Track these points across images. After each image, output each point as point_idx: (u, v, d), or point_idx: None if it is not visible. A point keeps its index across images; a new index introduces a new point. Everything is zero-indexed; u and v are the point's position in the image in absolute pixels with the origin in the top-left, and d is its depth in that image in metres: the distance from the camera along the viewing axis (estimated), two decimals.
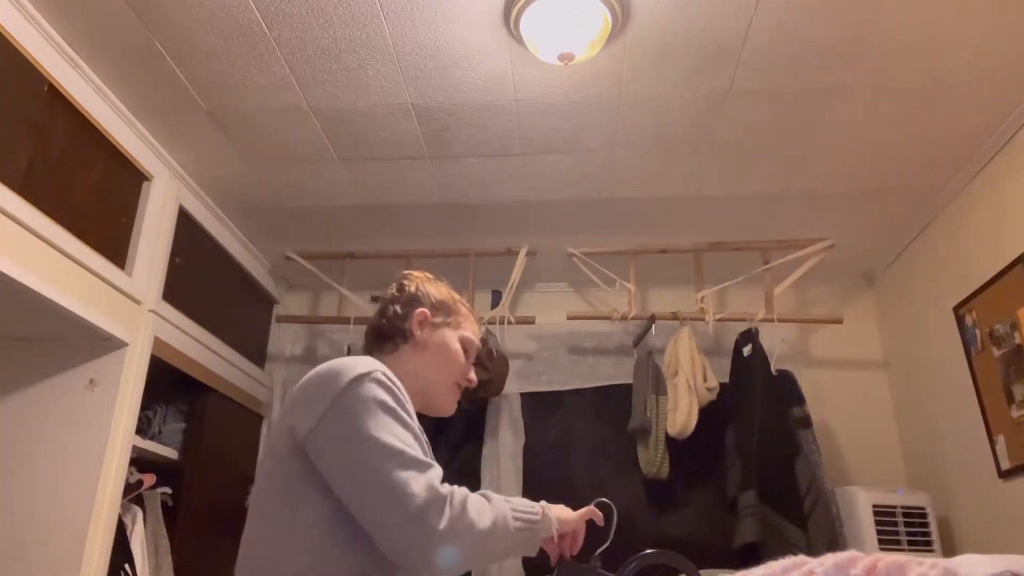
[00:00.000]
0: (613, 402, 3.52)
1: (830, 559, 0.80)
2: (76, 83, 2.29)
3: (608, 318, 3.44)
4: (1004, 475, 2.63)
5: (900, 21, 2.11)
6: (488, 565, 1.37)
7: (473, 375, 1.51)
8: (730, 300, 3.61)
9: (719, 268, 3.46)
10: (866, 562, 0.76)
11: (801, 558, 0.85)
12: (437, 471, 1.19)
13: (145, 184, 2.72)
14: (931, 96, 2.42)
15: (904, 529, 2.89)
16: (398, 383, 1.28)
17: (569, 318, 3.53)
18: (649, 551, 1.19)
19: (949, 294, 2.96)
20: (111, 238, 2.54)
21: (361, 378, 1.22)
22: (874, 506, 2.91)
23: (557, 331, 3.68)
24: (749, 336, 3.29)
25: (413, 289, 1.55)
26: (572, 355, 3.68)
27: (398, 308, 1.51)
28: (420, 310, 1.49)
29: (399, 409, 1.23)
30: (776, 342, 3.25)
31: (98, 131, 2.43)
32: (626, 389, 3.41)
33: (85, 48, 2.25)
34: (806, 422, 3.10)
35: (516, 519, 1.29)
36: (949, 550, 2.89)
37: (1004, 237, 2.61)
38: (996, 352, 2.65)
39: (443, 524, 1.12)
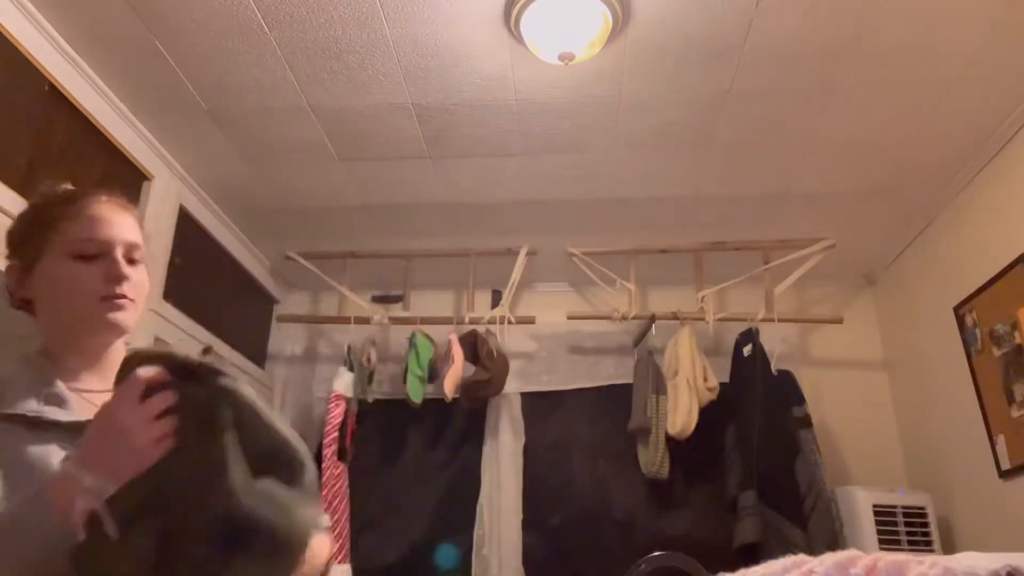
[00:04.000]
0: (613, 402, 3.52)
1: (830, 559, 0.80)
2: (76, 82, 2.29)
3: (608, 318, 3.44)
4: (1004, 475, 2.63)
5: (900, 21, 2.11)
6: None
7: (120, 269, 1.10)
8: (730, 300, 3.61)
9: (719, 268, 3.46)
10: (866, 561, 0.76)
11: (801, 558, 0.85)
12: None
13: (145, 184, 2.72)
14: (931, 96, 2.42)
15: (904, 529, 2.89)
16: None
17: (569, 318, 3.53)
18: (657, 553, 1.17)
19: (949, 294, 2.96)
20: None
21: None
22: (874, 506, 2.91)
23: (557, 331, 3.68)
24: (749, 336, 3.29)
25: None
26: (572, 355, 3.68)
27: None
28: (7, 268, 1.14)
29: None
30: (776, 342, 3.25)
31: (98, 130, 2.43)
32: (626, 389, 3.41)
33: (86, 47, 2.25)
34: (806, 422, 3.10)
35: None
36: (949, 550, 2.89)
37: (1004, 237, 2.61)
38: (996, 352, 2.65)
39: None
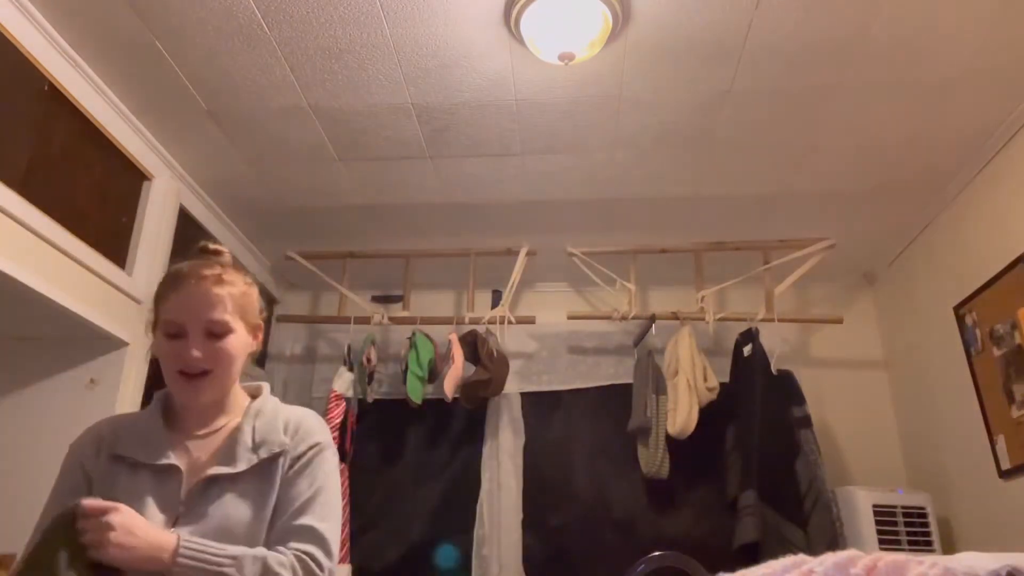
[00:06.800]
0: (613, 402, 3.52)
1: (830, 559, 0.80)
2: (76, 83, 2.29)
3: (608, 318, 3.44)
4: (1004, 475, 2.63)
5: (900, 21, 2.11)
6: None
7: (192, 352, 1.27)
8: (730, 300, 3.61)
9: (719, 268, 3.46)
10: (866, 561, 0.76)
11: (801, 558, 0.85)
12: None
13: (145, 184, 2.72)
14: (931, 96, 2.42)
15: (904, 529, 2.89)
16: (81, 442, 1.34)
17: (569, 318, 3.53)
18: (657, 553, 1.16)
19: (949, 294, 2.96)
20: (111, 237, 2.54)
21: None
22: (874, 506, 2.91)
23: (557, 331, 3.68)
24: (749, 336, 3.29)
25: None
26: (572, 355, 3.68)
27: None
28: (146, 323, 1.39)
29: (57, 484, 1.32)
30: (776, 342, 3.25)
31: (98, 131, 2.43)
32: (626, 389, 3.41)
33: (85, 48, 2.25)
34: (806, 422, 3.10)
35: None
36: (949, 550, 2.89)
37: (1004, 237, 2.61)
38: (996, 352, 2.65)
39: None
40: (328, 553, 1.28)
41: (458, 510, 3.43)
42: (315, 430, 1.38)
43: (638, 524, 3.38)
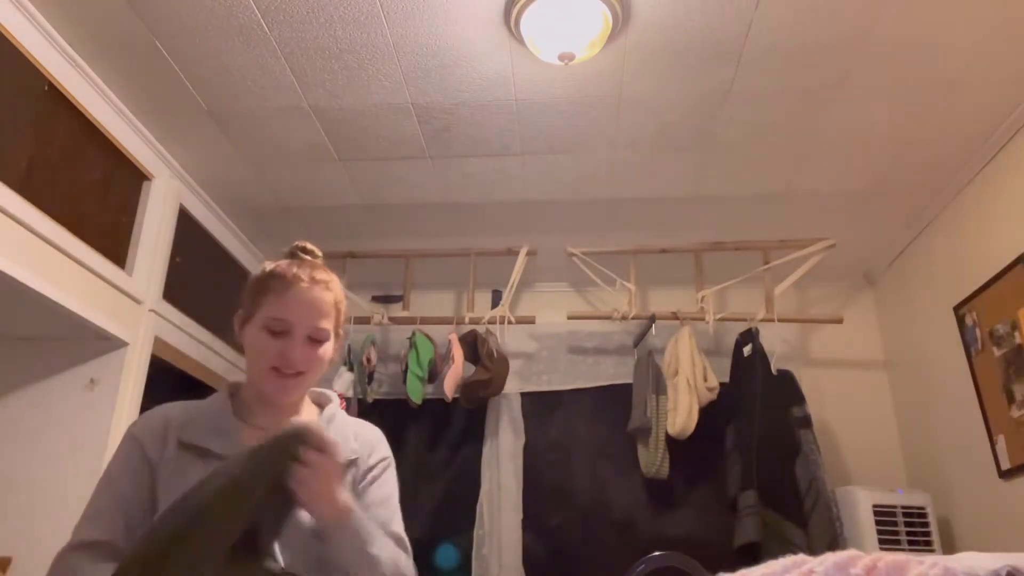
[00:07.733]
0: (613, 402, 3.52)
1: (830, 558, 0.80)
2: (76, 83, 2.29)
3: (608, 318, 3.44)
4: (1004, 475, 2.63)
5: (900, 21, 2.11)
6: None
7: (293, 353, 1.30)
8: (730, 300, 3.61)
9: (719, 268, 3.45)
10: (866, 561, 0.76)
11: (801, 557, 0.85)
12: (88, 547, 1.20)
13: (145, 183, 2.72)
14: (931, 96, 2.42)
15: (904, 529, 2.89)
16: (145, 426, 1.32)
17: (569, 318, 3.53)
18: (657, 553, 1.16)
19: (949, 294, 2.96)
20: (111, 237, 2.54)
21: None
22: (874, 506, 2.91)
23: (557, 331, 3.68)
24: (749, 336, 3.29)
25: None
26: (572, 355, 3.68)
27: None
28: (236, 313, 1.40)
29: (113, 469, 1.30)
30: (776, 342, 3.25)
31: (98, 131, 2.43)
32: (626, 389, 3.41)
33: (86, 48, 2.25)
34: (806, 422, 3.10)
35: None
36: (949, 550, 2.89)
37: (1004, 237, 2.61)
38: (996, 352, 2.65)
39: None
40: (412, 564, 1.33)
41: (458, 510, 3.43)
42: (383, 444, 1.45)
43: (638, 524, 3.38)
